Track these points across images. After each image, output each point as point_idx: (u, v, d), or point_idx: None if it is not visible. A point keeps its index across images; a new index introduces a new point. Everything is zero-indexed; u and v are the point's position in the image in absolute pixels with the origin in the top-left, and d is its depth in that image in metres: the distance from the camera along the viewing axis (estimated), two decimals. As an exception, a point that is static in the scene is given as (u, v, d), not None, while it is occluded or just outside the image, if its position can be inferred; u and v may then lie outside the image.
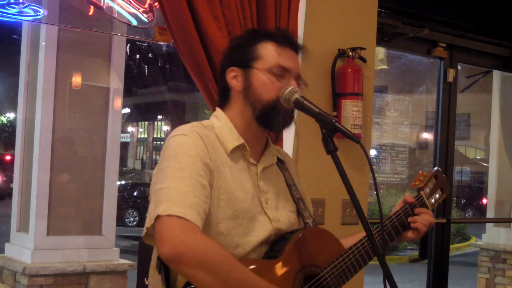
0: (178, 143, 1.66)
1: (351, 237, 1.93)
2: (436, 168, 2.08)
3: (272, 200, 1.78)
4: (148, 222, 1.55)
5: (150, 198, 1.63)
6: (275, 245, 1.73)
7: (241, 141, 1.75)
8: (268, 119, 1.74)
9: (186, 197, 1.55)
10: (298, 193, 1.88)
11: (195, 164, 1.61)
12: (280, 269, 1.67)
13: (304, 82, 1.84)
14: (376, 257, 1.60)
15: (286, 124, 1.78)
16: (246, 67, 1.75)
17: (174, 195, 1.55)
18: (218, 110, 1.82)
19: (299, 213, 1.85)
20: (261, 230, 1.71)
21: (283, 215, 1.79)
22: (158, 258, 1.63)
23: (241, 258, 1.66)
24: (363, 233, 1.83)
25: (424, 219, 1.91)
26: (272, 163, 1.84)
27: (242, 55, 1.77)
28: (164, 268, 1.62)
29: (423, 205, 1.96)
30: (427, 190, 1.98)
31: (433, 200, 2.00)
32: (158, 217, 1.52)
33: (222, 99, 1.82)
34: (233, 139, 1.74)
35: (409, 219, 1.91)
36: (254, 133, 1.78)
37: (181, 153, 1.63)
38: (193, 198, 1.55)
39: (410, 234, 1.91)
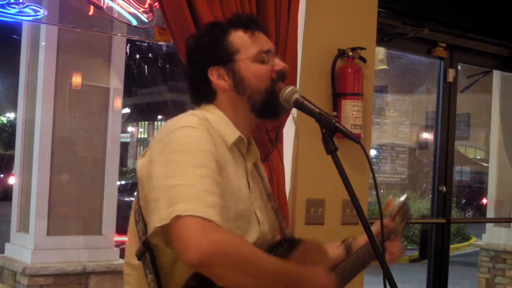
0: (190, 136, 1.55)
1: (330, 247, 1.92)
2: (405, 197, 2.09)
3: (257, 199, 1.75)
4: (159, 221, 1.44)
5: (153, 194, 1.50)
6: (272, 251, 1.68)
7: (239, 133, 1.69)
8: (273, 107, 1.71)
9: (207, 197, 1.46)
10: (274, 203, 1.85)
11: (210, 161, 1.52)
12: None
13: (279, 56, 1.84)
14: (376, 257, 1.59)
15: (286, 109, 1.76)
16: (228, 62, 1.70)
17: (194, 194, 1.45)
18: (208, 104, 1.74)
19: (276, 220, 1.84)
20: (252, 232, 1.67)
21: (266, 217, 1.76)
22: (144, 245, 1.56)
23: None
24: (335, 247, 1.89)
25: (399, 246, 1.96)
26: (255, 160, 1.81)
27: (217, 52, 1.71)
28: (150, 258, 1.55)
29: (396, 232, 2.00)
30: (398, 219, 2.01)
31: (400, 228, 2.03)
32: (177, 218, 1.42)
33: (205, 98, 1.75)
34: (232, 132, 1.68)
35: (386, 243, 1.92)
36: (247, 128, 1.75)
37: (195, 148, 1.52)
38: (213, 197, 1.47)
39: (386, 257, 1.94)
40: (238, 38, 1.72)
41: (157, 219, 1.46)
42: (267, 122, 2.84)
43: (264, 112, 1.73)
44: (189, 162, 1.49)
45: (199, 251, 1.40)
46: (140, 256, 1.58)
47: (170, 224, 1.43)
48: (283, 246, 1.71)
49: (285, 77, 1.75)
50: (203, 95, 1.75)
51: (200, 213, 1.42)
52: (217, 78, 1.71)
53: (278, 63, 1.74)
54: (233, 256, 1.44)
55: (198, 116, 1.64)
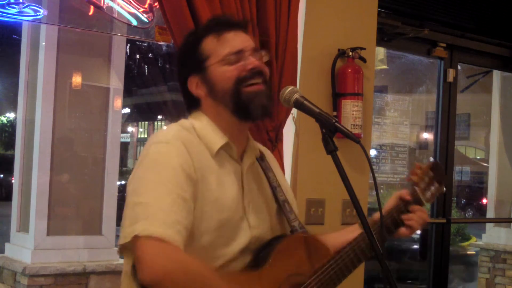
0: (160, 152, 1.57)
1: (338, 234, 1.88)
2: (432, 159, 2.02)
3: (254, 202, 1.72)
4: (123, 239, 1.49)
5: (124, 210, 1.55)
6: (259, 253, 1.68)
7: (225, 139, 1.68)
8: (243, 109, 1.67)
9: (166, 216, 1.47)
10: (282, 194, 1.81)
11: (177, 176, 1.53)
12: (264, 280, 1.61)
13: (265, 52, 1.76)
14: (376, 257, 1.58)
15: (265, 109, 1.69)
16: (201, 70, 1.69)
17: (153, 213, 1.47)
18: (197, 112, 1.74)
19: (283, 215, 1.79)
20: (241, 238, 1.65)
21: (263, 219, 1.73)
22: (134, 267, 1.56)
23: (225, 270, 1.61)
24: (350, 232, 1.82)
25: (418, 217, 1.85)
26: (254, 160, 1.78)
27: (191, 62, 1.71)
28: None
29: (418, 201, 1.88)
30: (423, 184, 1.90)
31: (429, 194, 1.91)
32: (136, 237, 1.46)
33: (194, 107, 1.75)
34: (217, 138, 1.67)
35: (403, 216, 1.84)
36: (236, 131, 1.72)
37: (162, 164, 1.54)
38: (174, 215, 1.48)
39: (403, 231, 1.85)
40: (209, 43, 1.70)
41: (121, 236, 1.51)
42: (266, 122, 2.84)
43: (239, 114, 1.69)
44: (154, 179, 1.52)
45: (152, 273, 1.43)
46: (133, 271, 1.58)
47: (131, 242, 1.47)
48: (271, 245, 1.69)
49: (259, 74, 1.69)
50: (190, 103, 1.76)
51: (156, 233, 1.45)
52: (196, 87, 1.71)
53: (251, 61, 1.68)
54: (184, 281, 1.46)
55: (182, 126, 1.67)
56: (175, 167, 1.54)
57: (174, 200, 1.50)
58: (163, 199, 1.50)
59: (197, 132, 1.67)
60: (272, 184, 1.81)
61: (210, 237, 1.59)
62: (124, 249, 1.54)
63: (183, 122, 1.70)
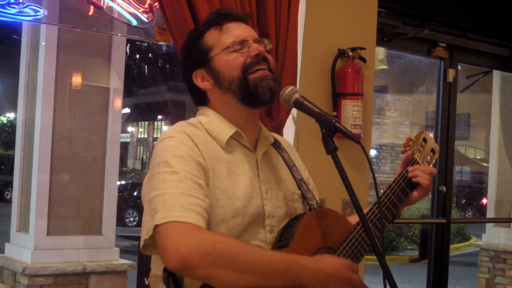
0: (166, 146, 1.59)
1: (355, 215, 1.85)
2: (422, 131, 2.00)
3: (272, 189, 1.72)
4: (146, 234, 1.50)
5: (144, 207, 1.57)
6: (282, 235, 1.67)
7: (235, 129, 1.69)
8: (252, 95, 1.67)
9: (183, 200, 1.48)
10: (299, 174, 1.82)
11: (188, 164, 1.55)
12: None
13: (268, 41, 1.77)
14: (376, 257, 1.58)
15: (273, 91, 1.68)
16: (205, 62, 1.71)
17: (169, 200, 1.48)
18: (202, 107, 1.76)
19: (302, 195, 1.80)
20: (258, 226, 1.65)
21: (281, 206, 1.72)
22: (165, 270, 1.55)
23: None
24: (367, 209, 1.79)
25: (424, 170, 1.81)
26: (268, 145, 1.78)
27: (195, 56, 1.73)
28: (173, 280, 1.55)
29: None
30: (419, 154, 1.87)
31: (426, 162, 1.89)
32: (156, 227, 1.46)
33: (201, 102, 1.77)
34: (226, 129, 1.68)
35: (409, 174, 1.80)
36: (245, 119, 1.72)
37: (170, 156, 1.55)
38: (190, 199, 1.49)
39: (415, 193, 1.82)
40: (211, 36, 1.72)
41: (144, 232, 1.51)
42: (266, 122, 2.84)
43: (248, 100, 1.69)
44: (166, 171, 1.54)
45: (177, 255, 1.42)
46: (167, 283, 1.58)
47: (153, 234, 1.48)
48: (292, 225, 1.68)
49: (263, 60, 1.70)
50: (197, 99, 1.78)
51: (174, 218, 1.45)
52: (201, 80, 1.73)
53: (255, 47, 1.69)
54: (213, 254, 1.43)
55: (188, 122, 1.70)
56: (184, 156, 1.56)
57: (189, 185, 1.51)
58: (177, 186, 1.51)
59: (205, 127, 1.69)
60: (288, 163, 1.81)
61: (228, 225, 1.59)
62: (148, 247, 1.54)
63: (190, 119, 1.73)
